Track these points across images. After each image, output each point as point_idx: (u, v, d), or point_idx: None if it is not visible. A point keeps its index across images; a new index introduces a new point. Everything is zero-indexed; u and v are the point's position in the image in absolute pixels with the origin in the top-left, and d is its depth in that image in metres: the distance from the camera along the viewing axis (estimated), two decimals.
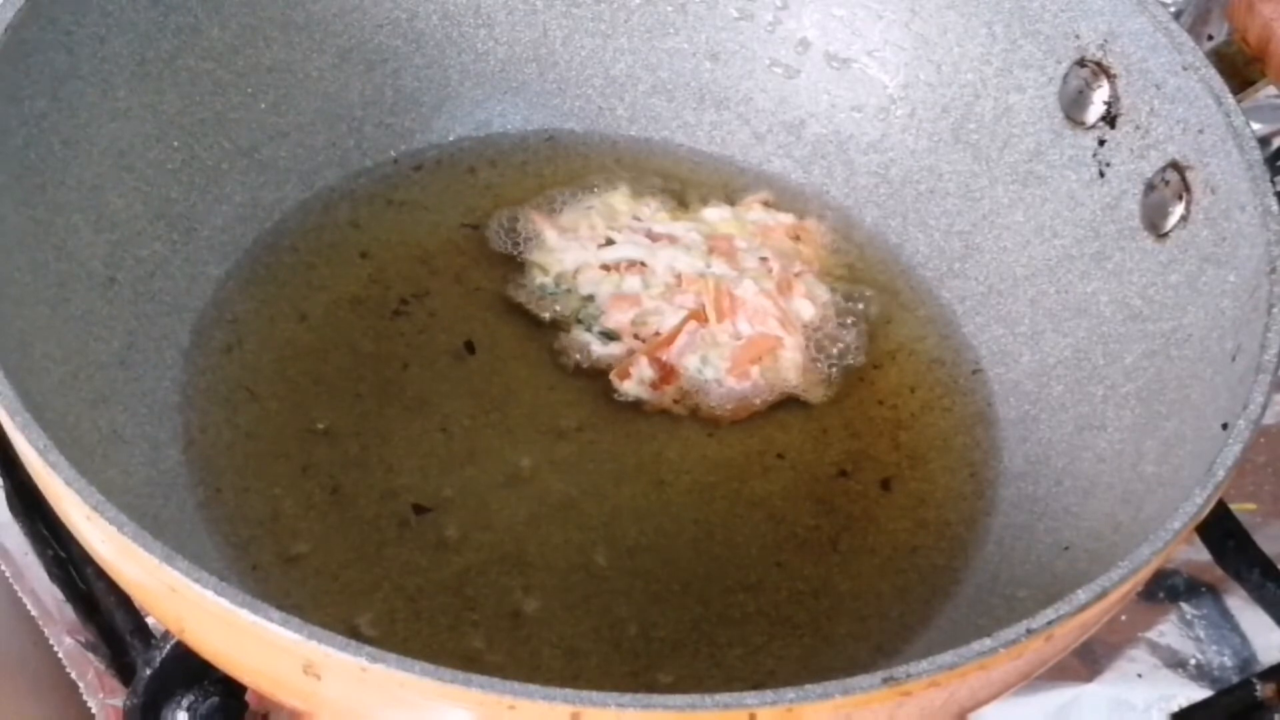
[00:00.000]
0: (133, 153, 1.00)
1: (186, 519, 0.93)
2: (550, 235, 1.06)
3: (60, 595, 0.96)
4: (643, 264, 1.04)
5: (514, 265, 1.06)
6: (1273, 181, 0.92)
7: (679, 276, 1.04)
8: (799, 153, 1.12)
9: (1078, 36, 1.02)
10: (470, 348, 1.02)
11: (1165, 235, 0.97)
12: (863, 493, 0.98)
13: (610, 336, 1.02)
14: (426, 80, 1.12)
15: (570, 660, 0.90)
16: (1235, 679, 0.98)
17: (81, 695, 0.93)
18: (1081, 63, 1.02)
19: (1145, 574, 0.79)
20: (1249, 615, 1.00)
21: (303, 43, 1.08)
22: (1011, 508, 0.97)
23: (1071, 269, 1.02)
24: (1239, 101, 0.95)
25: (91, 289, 0.96)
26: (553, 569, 0.93)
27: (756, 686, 0.88)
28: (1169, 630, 1.01)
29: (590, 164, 1.11)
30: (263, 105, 1.07)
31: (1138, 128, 0.99)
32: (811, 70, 1.12)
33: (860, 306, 1.06)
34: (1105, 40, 1.00)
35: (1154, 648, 1.00)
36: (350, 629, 0.89)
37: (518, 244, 1.07)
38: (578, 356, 1.02)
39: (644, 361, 1.01)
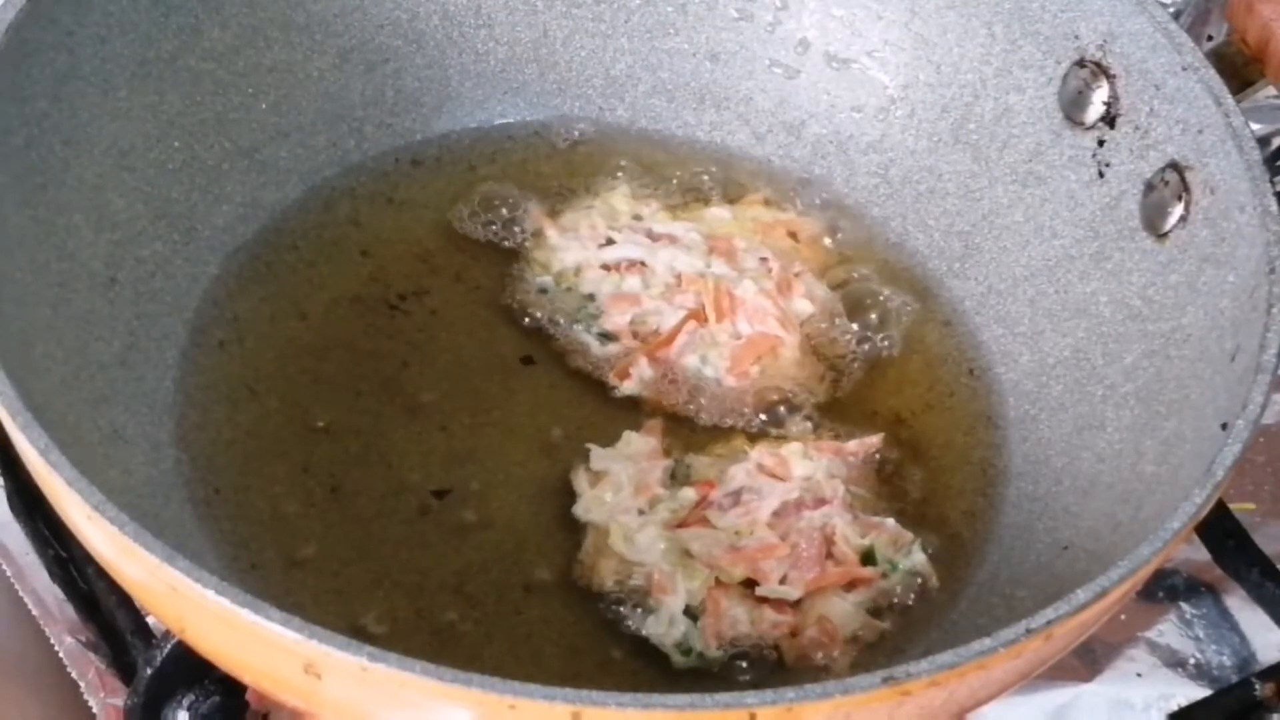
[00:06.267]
0: (134, 153, 1.00)
1: (186, 518, 0.93)
2: (551, 234, 1.06)
3: (61, 595, 0.96)
4: (643, 264, 1.04)
5: (514, 264, 1.06)
6: (1272, 182, 0.92)
7: (679, 276, 1.04)
8: (799, 153, 1.12)
9: (1077, 37, 1.02)
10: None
11: (1165, 235, 0.97)
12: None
13: (609, 337, 1.02)
14: (427, 80, 1.12)
15: (570, 660, 0.90)
16: (1234, 678, 0.98)
17: (82, 694, 0.93)
18: (1081, 63, 1.02)
19: (1144, 574, 0.79)
20: (1248, 615, 1.01)
21: (303, 43, 1.08)
22: (1011, 507, 0.97)
23: (1071, 269, 1.02)
24: (1238, 102, 0.95)
25: (92, 289, 0.96)
26: (553, 567, 0.93)
27: (757, 686, 0.89)
28: (1168, 630, 1.01)
29: (591, 164, 1.11)
30: (264, 105, 1.07)
31: (1137, 128, 0.99)
32: (811, 70, 1.13)
33: (859, 306, 1.06)
34: (1105, 41, 1.01)
35: (1153, 647, 1.00)
36: (354, 628, 0.89)
37: (518, 243, 1.07)
38: (577, 356, 1.02)
39: (643, 361, 1.01)
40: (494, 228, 1.08)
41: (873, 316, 1.05)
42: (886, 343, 1.05)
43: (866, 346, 1.04)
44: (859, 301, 1.06)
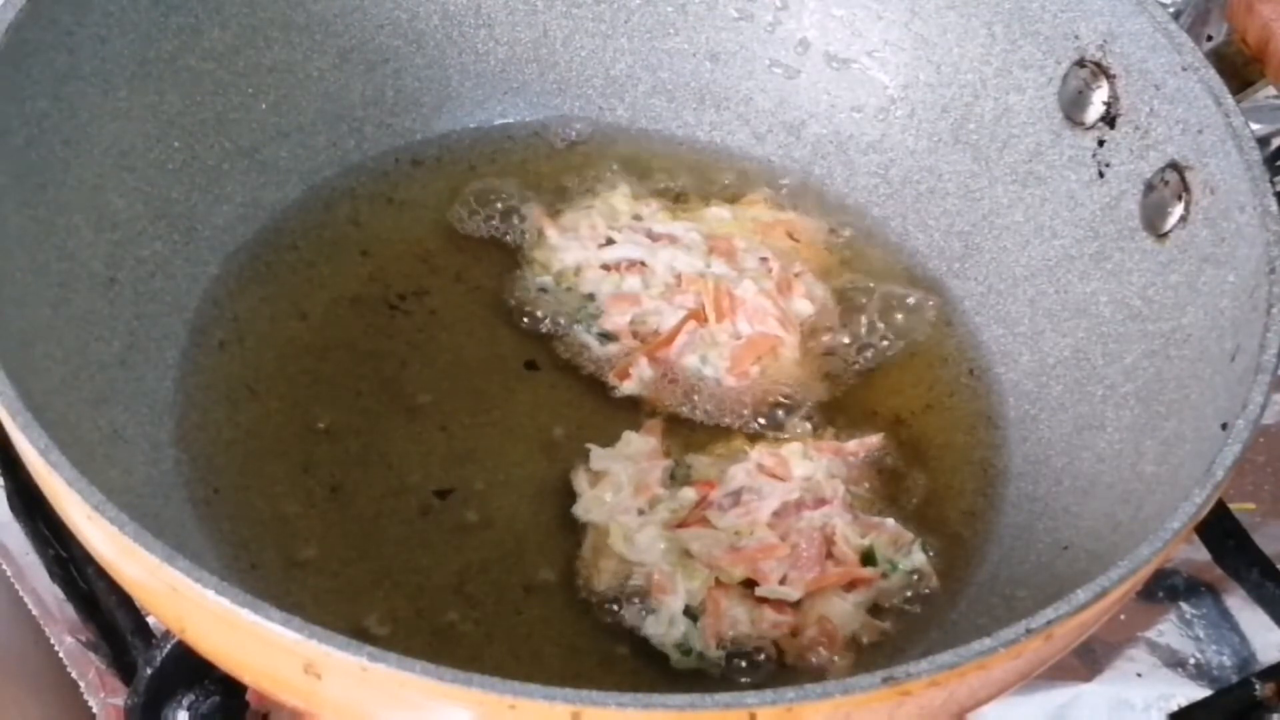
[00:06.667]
0: (134, 153, 1.00)
1: (186, 518, 0.93)
2: (551, 234, 1.06)
3: (61, 594, 0.96)
4: (643, 264, 1.04)
5: (514, 264, 1.06)
6: (1272, 182, 0.92)
7: (679, 276, 1.04)
8: (799, 153, 1.12)
9: (1077, 37, 1.02)
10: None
11: (1165, 235, 0.97)
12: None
13: (609, 337, 1.02)
14: (427, 80, 1.12)
15: (570, 660, 0.90)
16: (1234, 678, 0.98)
17: (82, 694, 0.93)
18: (1081, 63, 1.02)
19: (1144, 574, 0.79)
20: (1248, 615, 1.01)
21: (303, 43, 1.08)
22: (1011, 507, 0.97)
23: (1071, 269, 1.02)
24: (1238, 102, 0.95)
25: (92, 289, 0.96)
26: (553, 567, 0.93)
27: (757, 686, 0.89)
28: (1168, 630, 1.01)
29: (591, 164, 1.11)
30: (264, 105, 1.07)
31: (1137, 128, 0.99)
32: (811, 70, 1.13)
33: (859, 306, 1.06)
34: (1105, 41, 1.01)
35: (1153, 647, 1.00)
36: (357, 629, 0.89)
37: (518, 243, 1.07)
38: (577, 356, 1.02)
39: (643, 361, 1.01)
40: (493, 223, 1.08)
41: (873, 316, 1.05)
42: (886, 343, 1.05)
43: (866, 346, 1.04)
44: (859, 301, 1.06)
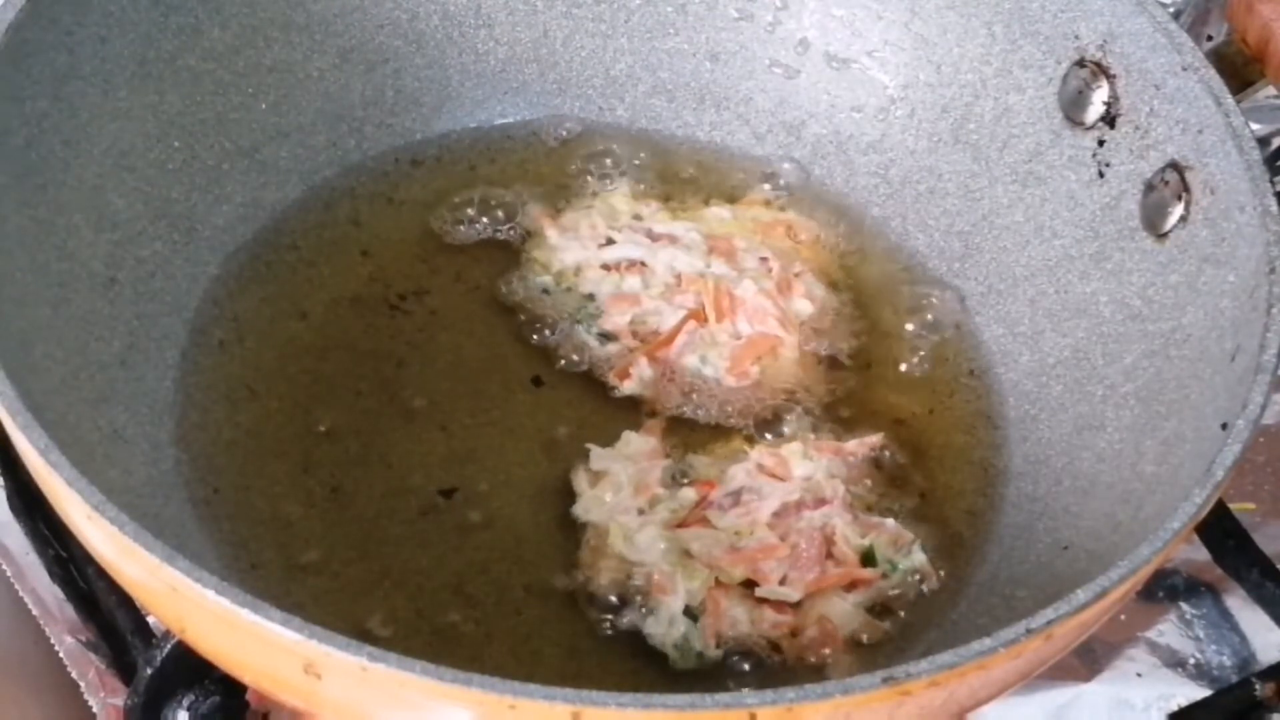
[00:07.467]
0: (134, 153, 1.00)
1: (186, 518, 0.93)
2: (551, 234, 1.06)
3: (61, 594, 0.96)
4: (643, 264, 1.04)
5: (514, 264, 1.06)
6: (1272, 182, 0.92)
7: (679, 276, 1.04)
8: (799, 153, 1.12)
9: (1077, 37, 1.02)
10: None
11: (1165, 235, 0.97)
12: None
13: (609, 337, 1.02)
14: (427, 80, 1.12)
15: (570, 660, 0.90)
16: (1234, 678, 0.98)
17: (82, 694, 0.93)
18: (1081, 63, 1.02)
19: (1144, 574, 0.79)
20: (1248, 615, 1.01)
21: (303, 43, 1.08)
22: (1011, 507, 0.97)
23: (1071, 269, 1.02)
24: (1238, 102, 0.95)
25: (92, 289, 0.96)
26: (553, 567, 0.93)
27: (757, 686, 0.89)
28: (1168, 630, 1.01)
29: (591, 164, 1.11)
30: (264, 105, 1.07)
31: (1137, 128, 0.99)
32: (811, 70, 1.13)
33: (860, 306, 1.06)
34: (1105, 41, 1.01)
35: (1153, 647, 1.00)
36: (360, 630, 0.89)
37: (518, 243, 1.07)
38: (577, 356, 1.02)
39: (643, 361, 1.01)
40: (494, 228, 1.08)
41: (873, 316, 1.05)
42: (886, 342, 1.04)
43: (866, 346, 1.04)
44: (859, 301, 1.06)
